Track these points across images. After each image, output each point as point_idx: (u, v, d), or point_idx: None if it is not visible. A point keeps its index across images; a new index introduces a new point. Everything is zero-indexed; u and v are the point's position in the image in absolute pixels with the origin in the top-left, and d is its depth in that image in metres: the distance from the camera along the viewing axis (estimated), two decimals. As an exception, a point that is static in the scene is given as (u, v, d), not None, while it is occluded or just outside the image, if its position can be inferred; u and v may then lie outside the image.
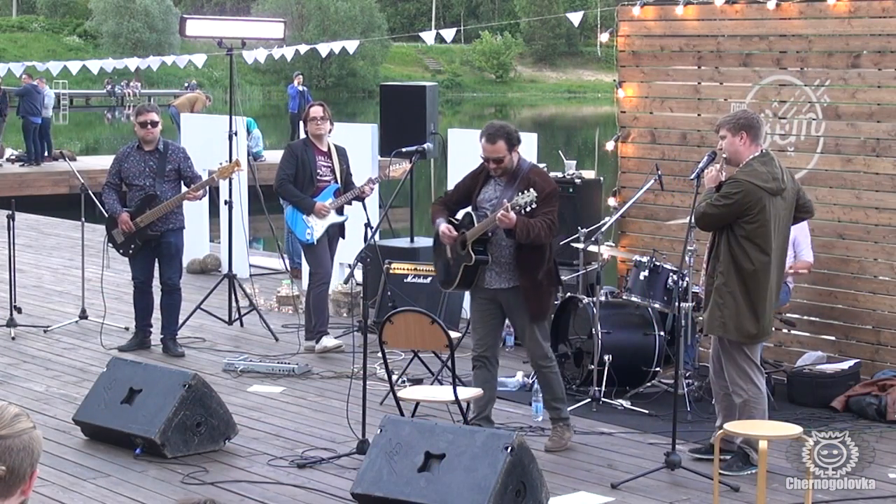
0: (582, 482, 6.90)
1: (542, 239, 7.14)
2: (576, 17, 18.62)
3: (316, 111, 9.80)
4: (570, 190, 10.06)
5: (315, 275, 9.86)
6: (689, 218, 7.25)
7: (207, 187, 10.08)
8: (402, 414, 7.16)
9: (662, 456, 7.02)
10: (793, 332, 8.87)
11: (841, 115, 8.63)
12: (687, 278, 8.27)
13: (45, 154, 24.54)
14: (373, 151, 11.59)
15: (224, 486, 6.79)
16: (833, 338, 8.78)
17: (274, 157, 19.19)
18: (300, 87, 29.53)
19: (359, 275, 9.09)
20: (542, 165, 10.09)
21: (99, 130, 49.84)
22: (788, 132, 8.86)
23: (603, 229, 8.95)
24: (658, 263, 8.51)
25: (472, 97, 75.09)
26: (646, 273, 8.49)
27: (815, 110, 8.72)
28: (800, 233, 8.27)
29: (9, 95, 26.97)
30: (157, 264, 9.91)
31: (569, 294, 9.02)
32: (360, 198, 9.72)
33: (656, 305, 8.49)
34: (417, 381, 8.69)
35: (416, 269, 10.35)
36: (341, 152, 9.89)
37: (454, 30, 22.94)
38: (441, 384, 8.31)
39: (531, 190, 6.99)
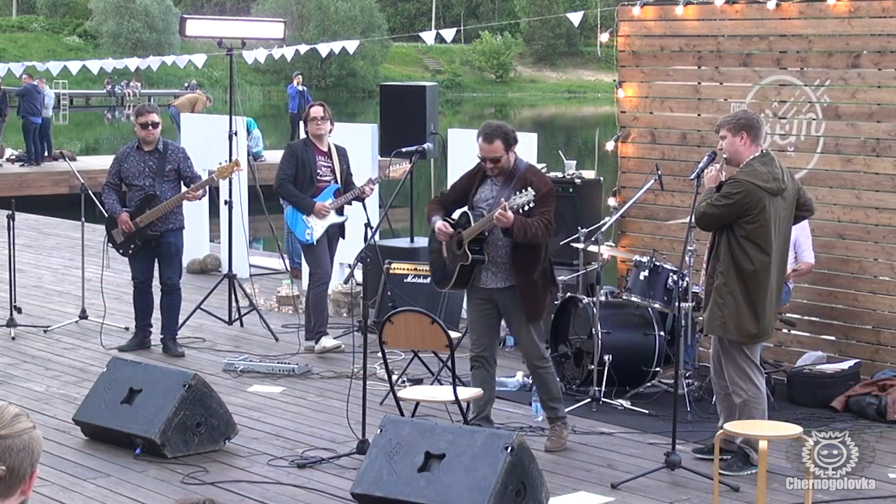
0: (582, 482, 6.90)
1: (540, 238, 7.14)
2: (576, 17, 18.62)
3: (316, 111, 9.80)
4: (570, 190, 10.06)
5: (314, 275, 9.86)
6: (689, 218, 7.25)
7: (207, 187, 10.09)
8: (402, 414, 7.16)
9: (662, 456, 7.02)
10: (793, 332, 8.87)
11: (841, 115, 8.63)
12: (687, 278, 8.27)
13: (45, 154, 24.54)
14: (373, 151, 11.59)
15: (224, 486, 6.79)
16: (833, 338, 8.78)
17: (274, 157, 19.19)
18: (300, 87, 29.54)
19: (359, 275, 9.09)
20: (542, 165, 10.10)
21: (99, 130, 49.85)
22: (788, 132, 8.86)
23: (603, 229, 8.95)
24: (658, 263, 8.51)
25: (472, 97, 75.09)
26: (646, 273, 8.49)
27: (815, 110, 8.72)
28: (801, 234, 8.27)
29: (9, 95, 26.97)
30: (156, 264, 9.91)
31: (569, 294, 9.01)
32: (360, 198, 9.72)
33: (656, 305, 8.49)
34: (417, 381, 8.69)
35: (416, 269, 10.35)
36: (342, 152, 9.88)
37: (454, 30, 22.94)
38: (441, 384, 8.31)
39: (529, 189, 6.99)
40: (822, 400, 8.23)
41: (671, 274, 8.42)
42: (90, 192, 10.92)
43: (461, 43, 79.72)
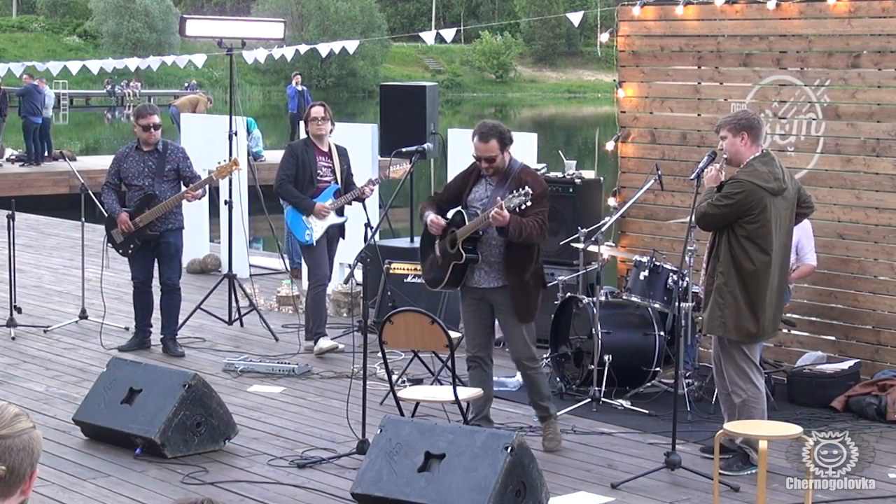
0: (582, 482, 6.90)
1: (534, 238, 7.14)
2: (576, 17, 18.62)
3: (317, 111, 9.80)
4: (570, 190, 10.05)
5: (313, 276, 9.86)
6: (689, 218, 7.25)
7: (207, 187, 10.09)
8: (402, 414, 7.16)
9: (662, 456, 7.02)
10: (793, 332, 8.86)
11: (841, 115, 8.63)
12: (687, 278, 8.27)
13: (45, 154, 24.55)
14: (373, 151, 11.59)
15: (224, 486, 6.79)
16: (833, 338, 8.78)
17: (274, 157, 19.20)
18: (299, 87, 29.54)
19: (359, 275, 9.08)
20: (542, 165, 10.13)
21: (99, 130, 49.86)
22: (788, 132, 8.86)
23: (603, 229, 8.94)
24: (658, 263, 8.51)
25: (472, 97, 75.10)
26: (646, 273, 8.49)
27: (815, 110, 8.72)
28: (803, 235, 8.27)
29: (9, 95, 26.97)
30: (156, 264, 9.91)
31: (569, 294, 9.01)
32: (360, 199, 9.72)
33: (656, 305, 8.48)
34: (417, 381, 8.69)
35: (416, 269, 10.33)
36: (342, 152, 9.88)
37: (454, 30, 22.96)
38: (441, 384, 8.31)
39: (526, 188, 6.99)
40: (822, 400, 8.22)
41: (671, 274, 8.42)
42: (90, 192, 10.92)
43: (461, 43, 79.74)
